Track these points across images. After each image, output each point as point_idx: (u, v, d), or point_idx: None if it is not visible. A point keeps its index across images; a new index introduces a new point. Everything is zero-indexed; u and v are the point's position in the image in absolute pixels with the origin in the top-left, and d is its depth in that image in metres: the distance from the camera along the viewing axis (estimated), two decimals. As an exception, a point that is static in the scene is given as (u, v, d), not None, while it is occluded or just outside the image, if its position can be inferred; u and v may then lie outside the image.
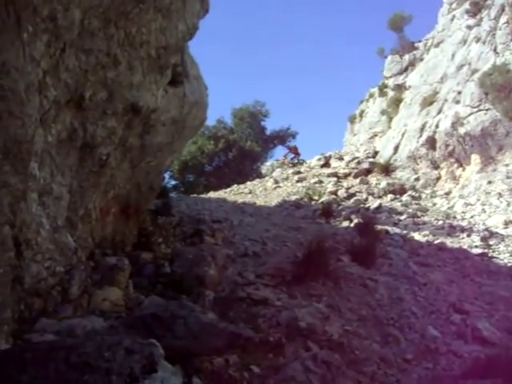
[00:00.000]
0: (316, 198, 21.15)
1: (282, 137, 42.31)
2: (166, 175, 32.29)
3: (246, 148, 37.45)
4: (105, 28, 5.58)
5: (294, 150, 31.83)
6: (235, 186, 27.28)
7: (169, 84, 8.34)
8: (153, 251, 8.89)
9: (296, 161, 30.94)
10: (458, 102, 23.01)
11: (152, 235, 9.73)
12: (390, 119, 30.07)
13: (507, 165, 19.53)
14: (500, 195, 18.59)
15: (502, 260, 13.92)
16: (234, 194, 24.58)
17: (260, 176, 32.06)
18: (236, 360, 4.39)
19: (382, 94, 33.07)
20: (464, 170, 22.07)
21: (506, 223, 16.88)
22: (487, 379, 4.27)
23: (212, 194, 25.42)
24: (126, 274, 6.19)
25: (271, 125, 56.02)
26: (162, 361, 2.75)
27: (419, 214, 19.07)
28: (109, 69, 6.03)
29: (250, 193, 24.19)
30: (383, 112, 31.45)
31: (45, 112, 4.78)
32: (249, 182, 28.20)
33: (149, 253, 8.72)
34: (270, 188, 24.94)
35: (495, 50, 22.92)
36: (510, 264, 13.48)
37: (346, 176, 25.15)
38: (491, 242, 15.54)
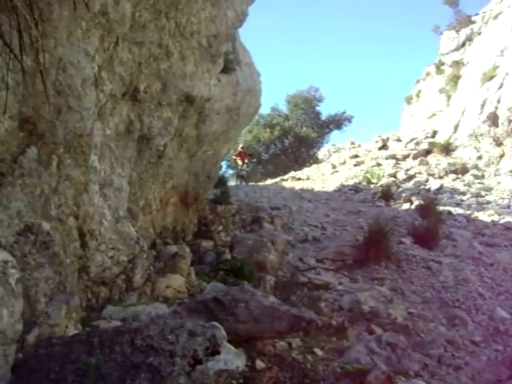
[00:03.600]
0: (375, 181, 20.85)
1: (338, 121, 41.84)
2: (223, 164, 32.62)
3: (302, 134, 37.30)
4: (155, 20, 5.64)
5: (243, 154, 25.81)
6: (292, 172, 27.28)
7: (221, 72, 8.38)
8: (213, 239, 9.01)
9: (244, 169, 25.92)
10: (520, 75, 22.10)
11: (212, 224, 9.85)
12: (449, 97, 29.21)
13: None
14: None
15: None
16: (292, 180, 24.58)
17: (317, 161, 31.84)
18: (299, 343, 4.39)
19: (439, 71, 32.11)
20: (529, 145, 21.22)
21: None
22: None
23: (269, 182, 25.51)
24: (187, 262, 6.29)
25: (326, 109, 55.50)
26: (225, 343, 2.78)
27: (483, 193, 18.51)
28: (161, 60, 6.10)
29: (308, 179, 24.10)
30: (441, 90, 30.55)
31: (102, 105, 4.88)
32: (306, 168, 28.13)
33: (209, 241, 8.85)
34: (327, 173, 24.77)
35: (558, 17, 21.85)
36: None
37: (405, 157, 24.64)
38: (560, 219, 14.94)
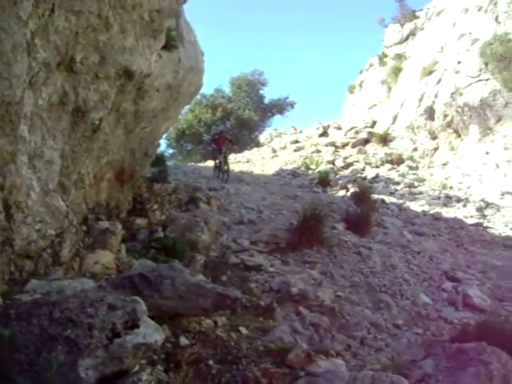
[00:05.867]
0: (313, 167, 21.22)
1: (281, 106, 42.04)
2: (163, 144, 32.34)
3: (244, 117, 37.24)
4: (95, -11, 5.48)
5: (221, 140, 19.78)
6: (233, 154, 27.31)
7: (163, 49, 8.24)
8: (147, 217, 8.92)
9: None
10: (457, 72, 22.85)
11: (147, 202, 9.76)
12: (390, 89, 29.95)
13: (505, 136, 19.52)
14: (497, 166, 18.66)
15: (496, 230, 14.07)
16: (232, 162, 24.61)
17: (258, 145, 31.99)
18: (225, 322, 4.44)
19: (382, 63, 32.84)
20: (462, 140, 22.05)
21: (503, 194, 17.02)
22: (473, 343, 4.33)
23: (210, 163, 25.45)
24: (118, 238, 6.21)
25: (269, 94, 55.57)
26: (145, 317, 2.78)
27: (416, 184, 19.20)
28: (100, 32, 5.93)
29: (248, 162, 24.23)
30: (383, 82, 31.28)
31: (34, 74, 4.72)
32: (246, 151, 28.23)
33: (143, 219, 8.76)
34: (267, 157, 24.96)
35: (496, 19, 22.66)
36: (504, 234, 13.62)
37: (344, 146, 25.15)
38: (486, 213, 15.70)
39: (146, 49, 7.32)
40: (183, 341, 3.74)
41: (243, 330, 4.40)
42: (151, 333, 2.69)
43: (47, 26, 4.86)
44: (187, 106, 22.24)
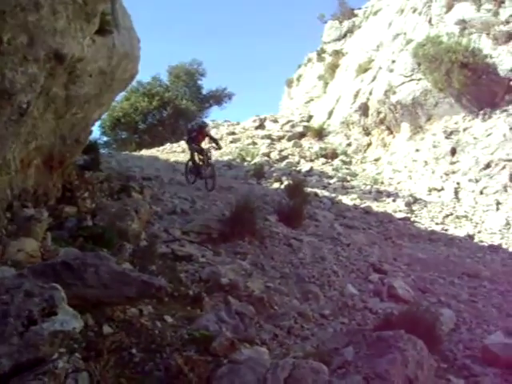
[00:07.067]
0: (249, 159, 21.40)
1: (218, 97, 42.07)
2: (98, 131, 31.70)
3: (182, 107, 36.98)
4: (24, -33, 5.29)
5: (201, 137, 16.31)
6: (168, 144, 27.12)
7: (97, 33, 8.03)
8: (77, 205, 8.71)
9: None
10: (391, 71, 23.52)
11: (77, 190, 9.52)
12: (326, 84, 30.49)
13: (434, 134, 20.27)
14: (426, 163, 19.36)
15: (423, 224, 14.63)
16: (167, 152, 24.46)
17: (194, 135, 31.79)
18: (151, 311, 4.43)
19: (320, 59, 33.39)
20: (394, 137, 22.75)
21: (430, 190, 17.69)
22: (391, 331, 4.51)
23: (144, 152, 25.18)
24: (43, 226, 6.04)
25: (208, 85, 55.25)
26: (63, 304, 2.74)
27: (349, 178, 19.68)
28: (29, 12, 5.72)
29: (184, 152, 24.07)
30: (320, 77, 31.82)
31: (-44, 53, 4.52)
32: (182, 141, 28.03)
33: (73, 207, 8.54)
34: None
35: (430, 21, 23.46)
36: (430, 228, 14.19)
37: (280, 139, 25.45)
38: (414, 208, 16.31)
39: (78, 32, 7.12)
40: (106, 329, 3.71)
41: (169, 319, 4.40)
42: (69, 320, 2.65)
43: (-29, 3, 4.67)
44: (122, 94, 21.92)
